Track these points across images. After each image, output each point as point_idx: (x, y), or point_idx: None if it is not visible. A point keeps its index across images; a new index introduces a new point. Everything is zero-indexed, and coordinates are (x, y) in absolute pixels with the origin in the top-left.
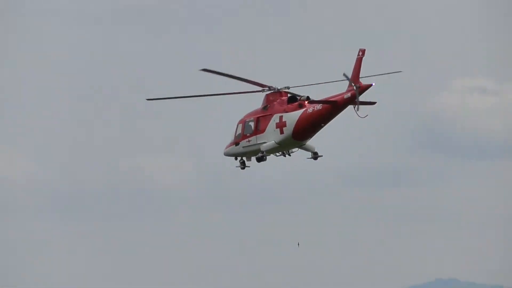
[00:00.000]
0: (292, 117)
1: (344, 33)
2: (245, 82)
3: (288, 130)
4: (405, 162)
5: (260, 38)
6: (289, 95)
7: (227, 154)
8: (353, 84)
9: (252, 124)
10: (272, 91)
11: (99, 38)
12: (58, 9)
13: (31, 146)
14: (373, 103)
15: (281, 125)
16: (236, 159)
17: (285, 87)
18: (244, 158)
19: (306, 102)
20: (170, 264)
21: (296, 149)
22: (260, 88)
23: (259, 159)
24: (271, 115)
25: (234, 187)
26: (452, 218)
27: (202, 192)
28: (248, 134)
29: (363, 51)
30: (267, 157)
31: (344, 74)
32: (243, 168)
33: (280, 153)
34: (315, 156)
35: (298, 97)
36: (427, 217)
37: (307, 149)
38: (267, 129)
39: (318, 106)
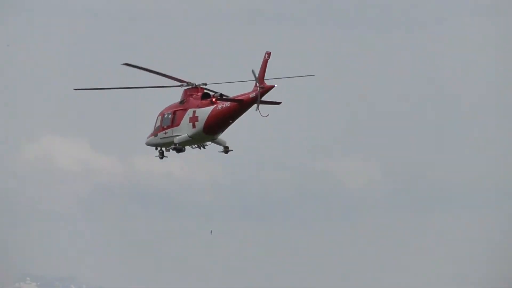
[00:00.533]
0: (204, 112)
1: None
2: (165, 77)
3: (200, 124)
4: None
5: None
6: (205, 91)
7: (148, 144)
8: (257, 85)
9: (169, 117)
10: (190, 87)
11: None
12: None
13: None
14: (278, 103)
15: (194, 120)
16: (156, 149)
17: (203, 84)
18: (163, 149)
19: (217, 100)
20: None
21: (209, 142)
22: (179, 83)
23: (178, 151)
24: (186, 109)
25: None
26: None
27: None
28: (165, 126)
29: (269, 54)
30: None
31: (252, 71)
32: (161, 158)
33: (196, 145)
34: (226, 150)
35: (212, 94)
36: None
37: (218, 143)
38: (182, 122)
39: (227, 104)
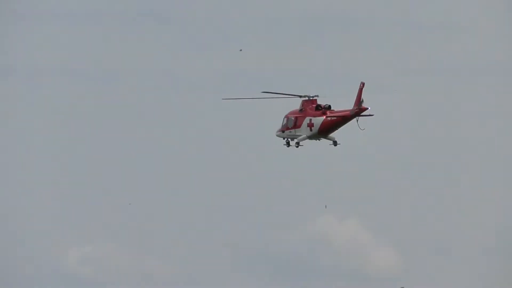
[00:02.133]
0: (318, 120)
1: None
2: (290, 95)
3: (315, 129)
4: None
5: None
6: (317, 103)
7: (278, 136)
8: (360, 105)
9: (292, 120)
10: (306, 98)
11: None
12: None
13: None
14: (371, 115)
15: (310, 125)
16: (284, 139)
17: (316, 95)
18: (289, 140)
19: (327, 111)
20: None
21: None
22: (298, 95)
23: (297, 145)
24: (304, 116)
25: None
26: None
27: None
28: (290, 127)
29: (363, 84)
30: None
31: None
32: (288, 146)
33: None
34: (335, 143)
35: (321, 106)
36: None
37: (329, 139)
38: (302, 125)
39: (334, 117)
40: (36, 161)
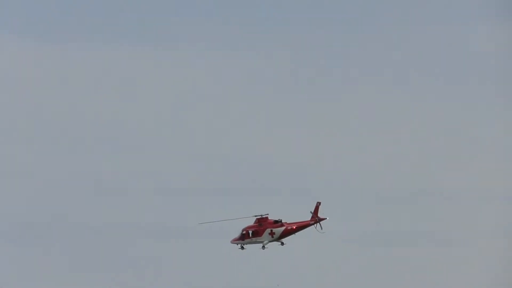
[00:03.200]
0: (279, 230)
1: None
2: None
3: (276, 236)
4: None
5: None
6: (271, 219)
7: (233, 243)
8: (315, 217)
9: (252, 231)
10: (260, 216)
11: None
12: None
13: None
14: (325, 218)
15: (272, 233)
16: (238, 245)
17: (266, 214)
18: (244, 246)
19: (284, 222)
20: None
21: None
22: (253, 216)
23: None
24: (265, 228)
25: None
26: None
27: None
28: (251, 236)
29: (319, 203)
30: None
31: (311, 212)
32: (242, 249)
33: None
34: (282, 243)
35: (278, 220)
36: None
37: (278, 241)
38: (263, 235)
39: (293, 226)
40: None
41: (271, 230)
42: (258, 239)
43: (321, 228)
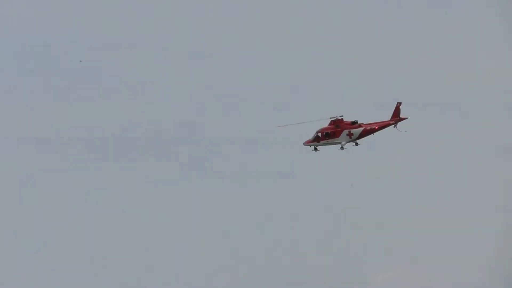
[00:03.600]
0: (357, 131)
1: None
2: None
3: (354, 136)
4: None
5: None
6: (346, 120)
7: (307, 145)
8: (397, 118)
9: (328, 133)
10: (335, 118)
11: None
12: None
13: None
14: (406, 118)
15: (350, 134)
16: (311, 147)
17: (341, 116)
18: (317, 147)
19: (361, 123)
20: None
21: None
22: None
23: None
24: (342, 130)
25: None
26: None
27: None
28: (327, 138)
29: (400, 103)
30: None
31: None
32: (316, 151)
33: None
34: (356, 144)
35: (354, 121)
36: None
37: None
38: (341, 136)
39: (373, 126)
40: None
41: (349, 131)
42: (335, 140)
43: (400, 128)
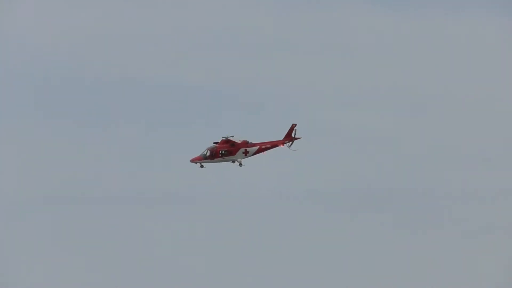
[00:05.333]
0: (253, 149)
1: None
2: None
3: (250, 154)
4: None
5: None
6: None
7: (193, 162)
8: (290, 138)
9: (225, 151)
10: (226, 138)
11: None
12: None
13: None
14: (299, 138)
15: (246, 152)
16: (196, 164)
17: (231, 135)
18: (203, 164)
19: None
20: None
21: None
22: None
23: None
24: (238, 148)
25: None
26: None
27: None
28: (222, 154)
29: (295, 124)
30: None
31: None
32: (202, 167)
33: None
34: (240, 164)
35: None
36: None
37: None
38: (237, 154)
39: (268, 145)
40: None
41: (245, 149)
42: (231, 157)
43: (291, 146)
